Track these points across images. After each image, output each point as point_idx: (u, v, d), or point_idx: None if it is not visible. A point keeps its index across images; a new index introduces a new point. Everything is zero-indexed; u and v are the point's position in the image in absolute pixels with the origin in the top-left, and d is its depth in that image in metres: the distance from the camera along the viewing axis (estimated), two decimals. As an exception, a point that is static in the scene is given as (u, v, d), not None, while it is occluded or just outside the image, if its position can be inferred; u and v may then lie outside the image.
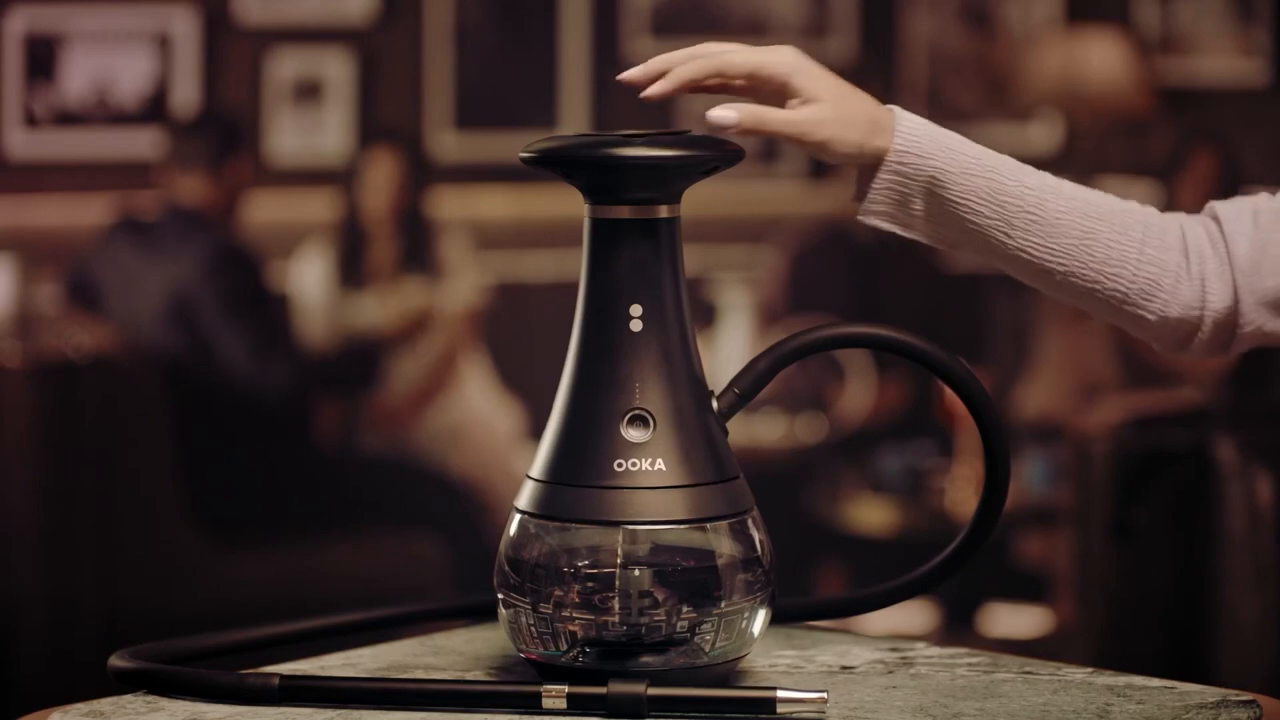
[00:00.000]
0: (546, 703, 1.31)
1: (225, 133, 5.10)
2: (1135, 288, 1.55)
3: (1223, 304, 1.57)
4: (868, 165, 1.50)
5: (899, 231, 1.53)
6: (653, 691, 1.30)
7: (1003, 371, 6.19)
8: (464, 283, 5.62)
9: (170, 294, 4.72)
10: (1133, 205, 1.58)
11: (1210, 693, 1.37)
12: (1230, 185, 5.55)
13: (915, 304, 5.99)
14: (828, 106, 1.46)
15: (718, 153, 1.39)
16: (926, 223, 1.52)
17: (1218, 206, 1.60)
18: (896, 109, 1.50)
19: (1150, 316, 1.56)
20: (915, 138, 1.49)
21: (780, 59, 1.46)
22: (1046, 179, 1.55)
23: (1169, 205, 1.62)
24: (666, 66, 1.45)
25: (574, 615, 1.34)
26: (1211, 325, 1.57)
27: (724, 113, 1.43)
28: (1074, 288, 1.55)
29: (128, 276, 4.81)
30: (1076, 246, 1.53)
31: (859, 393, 5.79)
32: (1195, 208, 1.62)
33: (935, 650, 1.50)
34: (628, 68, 1.46)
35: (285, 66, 6.39)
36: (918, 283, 6.09)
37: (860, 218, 1.52)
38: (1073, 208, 1.54)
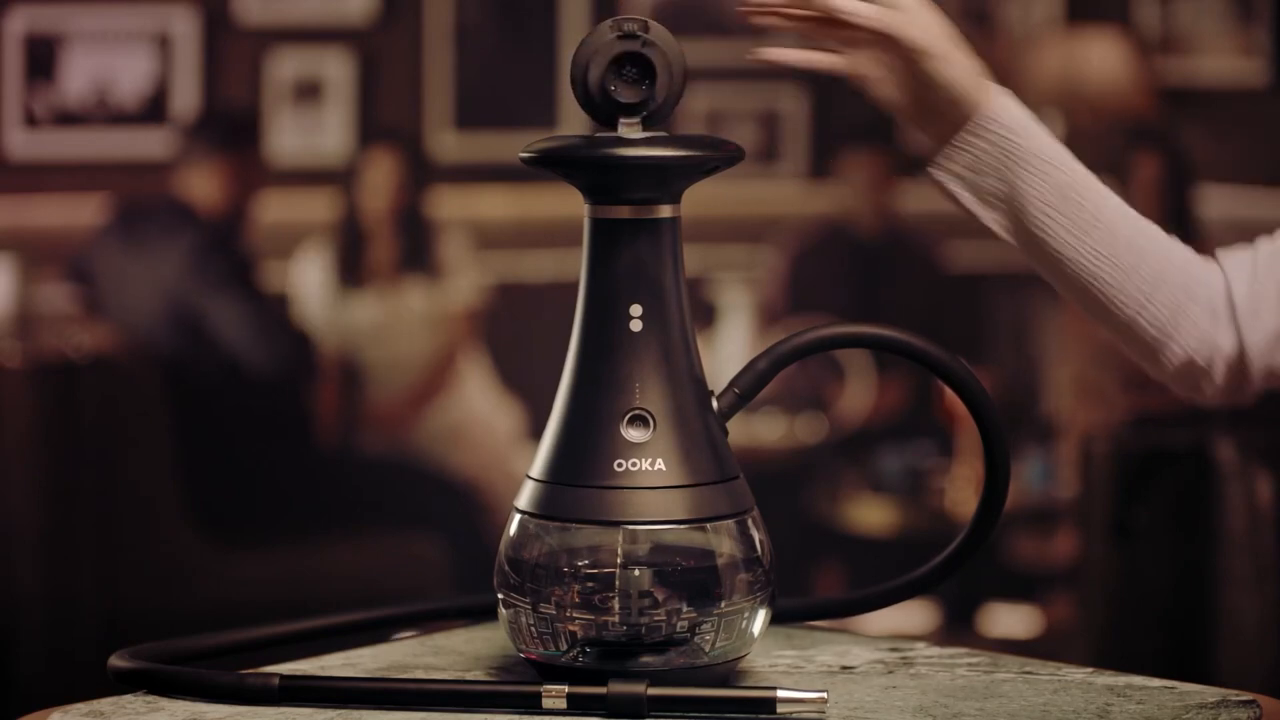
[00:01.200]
0: (546, 703, 1.31)
1: (233, 129, 5.10)
2: (1166, 315, 1.61)
3: (1230, 346, 1.63)
4: (948, 123, 1.55)
5: (965, 200, 1.57)
6: (653, 691, 1.30)
7: (1004, 371, 6.19)
8: (464, 283, 5.62)
9: (162, 286, 4.72)
10: (1174, 240, 1.63)
11: (1210, 693, 1.37)
12: (1178, 189, 5.48)
13: (915, 304, 5.99)
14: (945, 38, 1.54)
15: (718, 153, 1.39)
16: (994, 197, 1.56)
17: (1220, 254, 1.66)
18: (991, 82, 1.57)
19: (1176, 349, 1.62)
20: (1008, 108, 1.55)
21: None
22: (1111, 194, 1.60)
23: None
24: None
25: (574, 615, 1.34)
26: (1224, 368, 1.63)
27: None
28: (1116, 303, 1.59)
29: (121, 273, 4.82)
30: (1129, 264, 1.58)
31: (859, 393, 5.79)
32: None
33: (935, 650, 1.50)
34: None
35: (285, 66, 6.39)
36: (918, 283, 6.09)
37: (931, 171, 1.58)
38: (1127, 224, 1.59)
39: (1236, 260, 1.65)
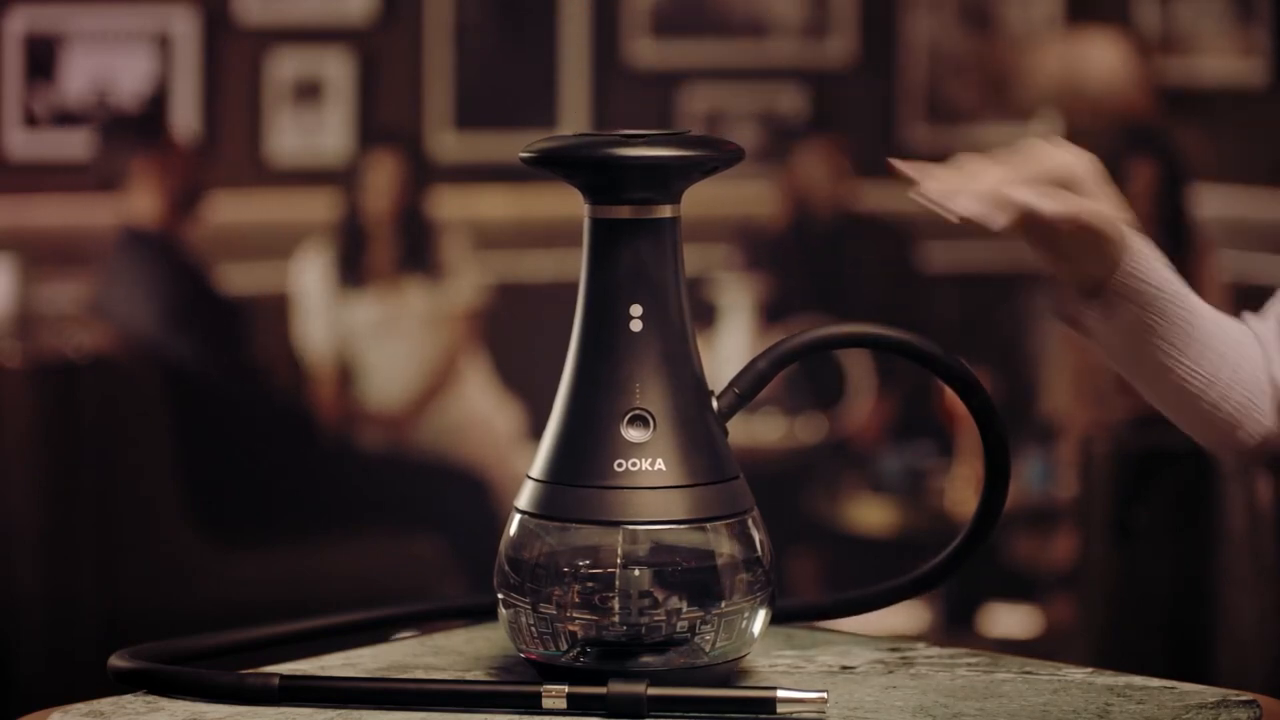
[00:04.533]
0: (546, 703, 1.31)
1: (139, 127, 5.03)
2: (1237, 409, 1.63)
3: (1273, 425, 1.65)
4: (1093, 267, 1.53)
5: (1092, 340, 1.58)
6: (653, 691, 1.30)
7: (1003, 371, 6.19)
8: (464, 283, 5.62)
9: (122, 319, 4.72)
10: (1245, 332, 1.65)
11: (1210, 693, 1.37)
12: (1173, 194, 5.44)
13: (879, 292, 6.00)
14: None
15: (718, 153, 1.39)
16: (1111, 334, 1.57)
17: (1254, 325, 1.67)
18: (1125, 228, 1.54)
19: (1242, 435, 1.64)
20: (1148, 263, 1.54)
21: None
22: (1200, 303, 1.61)
23: None
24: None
25: (574, 615, 1.34)
26: (1261, 443, 1.66)
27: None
28: (1202, 403, 1.61)
29: (112, 289, 4.82)
30: (1216, 369, 1.60)
31: (859, 394, 5.79)
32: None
33: (935, 650, 1.50)
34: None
35: (285, 66, 6.39)
36: (880, 271, 6.09)
37: (1071, 318, 1.58)
38: (1215, 332, 1.60)
39: (1272, 336, 1.67)
